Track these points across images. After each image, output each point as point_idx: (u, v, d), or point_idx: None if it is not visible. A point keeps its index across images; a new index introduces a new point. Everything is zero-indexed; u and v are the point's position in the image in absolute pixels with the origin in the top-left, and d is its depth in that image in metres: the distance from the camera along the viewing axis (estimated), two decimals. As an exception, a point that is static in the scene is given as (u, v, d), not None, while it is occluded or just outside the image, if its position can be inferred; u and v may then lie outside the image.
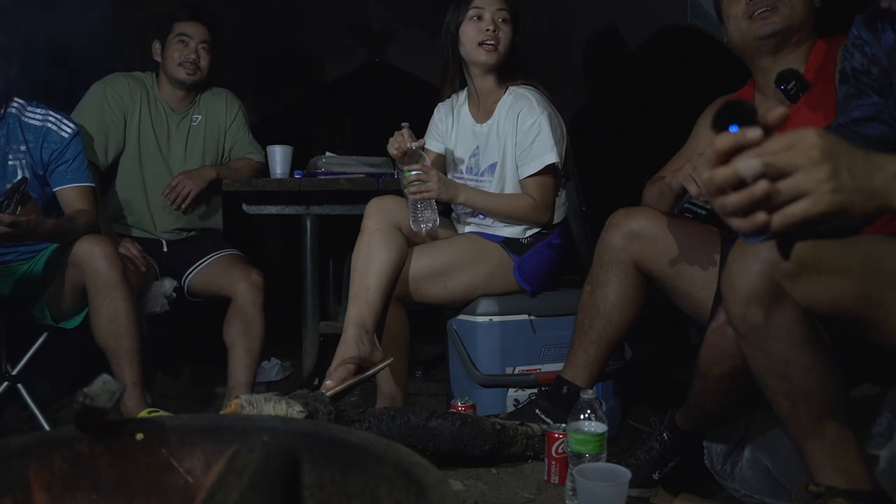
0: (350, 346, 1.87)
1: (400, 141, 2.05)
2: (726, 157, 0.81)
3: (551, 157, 2.04)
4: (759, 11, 1.60)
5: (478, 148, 2.17)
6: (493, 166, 2.13)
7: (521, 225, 2.12)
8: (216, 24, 2.56)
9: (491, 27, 2.04)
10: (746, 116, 0.82)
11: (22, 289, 2.13)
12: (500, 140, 2.11)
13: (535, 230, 2.13)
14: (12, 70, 2.09)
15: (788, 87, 1.59)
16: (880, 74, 1.31)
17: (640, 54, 3.13)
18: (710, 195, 0.84)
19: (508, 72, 2.13)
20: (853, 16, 1.36)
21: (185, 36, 2.49)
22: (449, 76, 2.22)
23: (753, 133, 0.80)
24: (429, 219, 2.03)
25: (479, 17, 2.05)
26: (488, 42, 2.04)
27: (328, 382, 1.75)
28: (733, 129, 0.82)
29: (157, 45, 2.55)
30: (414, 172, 1.99)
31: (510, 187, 2.12)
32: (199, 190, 2.49)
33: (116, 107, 2.50)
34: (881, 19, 1.30)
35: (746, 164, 0.80)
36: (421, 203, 2.01)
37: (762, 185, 0.79)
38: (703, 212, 1.55)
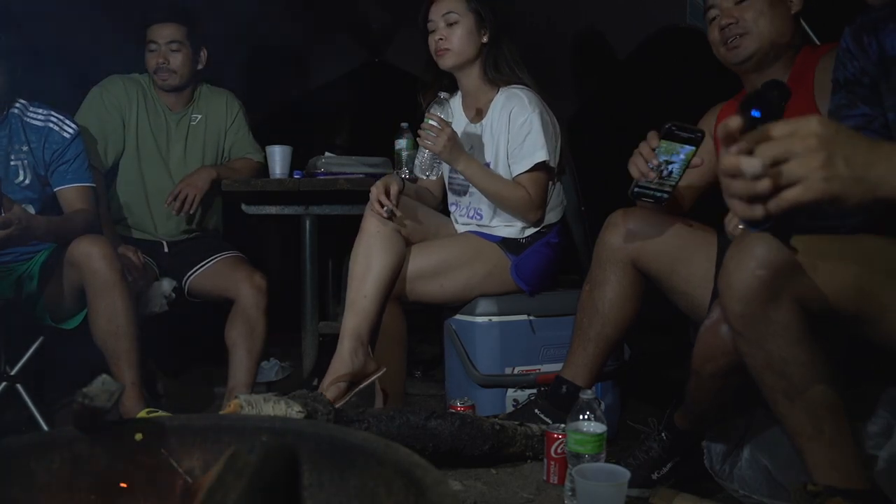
0: (345, 361, 1.88)
1: (381, 198, 1.98)
2: (733, 139, 0.82)
3: (542, 154, 2.04)
4: (729, 39, 1.66)
5: (471, 147, 2.16)
6: (486, 167, 2.13)
7: (509, 214, 2.10)
8: (191, 17, 2.49)
9: (437, 36, 2.10)
10: (771, 107, 0.82)
11: (21, 289, 2.13)
12: (493, 140, 2.11)
13: (534, 230, 2.13)
14: (16, 71, 2.09)
15: (771, 100, 1.58)
16: (869, 85, 1.33)
17: (639, 55, 3.13)
18: (720, 174, 0.85)
19: (492, 68, 2.13)
20: (843, 23, 1.38)
21: (153, 43, 2.46)
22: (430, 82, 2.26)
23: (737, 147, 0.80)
24: (428, 168, 2.04)
25: (433, 30, 2.12)
26: (438, 50, 2.10)
27: None
28: (755, 113, 0.82)
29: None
30: (431, 121, 1.98)
31: None
32: (203, 193, 2.48)
33: (114, 109, 2.49)
34: (867, 32, 1.33)
35: (748, 163, 0.81)
36: (428, 151, 2.01)
37: (764, 184, 0.80)
38: (660, 194, 1.48)
